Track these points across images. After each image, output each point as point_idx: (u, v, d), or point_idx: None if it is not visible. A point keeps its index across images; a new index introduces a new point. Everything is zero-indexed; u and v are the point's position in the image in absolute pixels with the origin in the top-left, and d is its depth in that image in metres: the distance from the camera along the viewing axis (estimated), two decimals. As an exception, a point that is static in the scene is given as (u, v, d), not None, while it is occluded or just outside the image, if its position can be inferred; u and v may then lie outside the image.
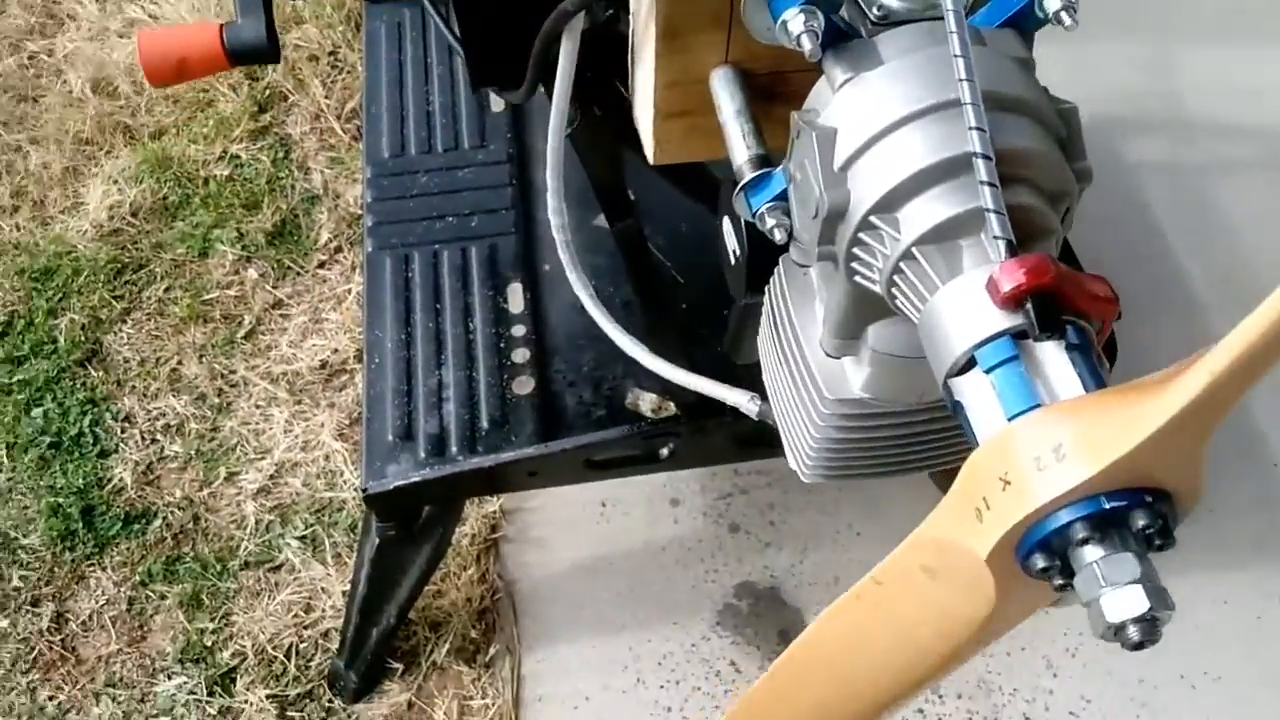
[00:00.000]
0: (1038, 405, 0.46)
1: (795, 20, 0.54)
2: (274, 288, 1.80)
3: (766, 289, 0.72)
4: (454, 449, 1.17)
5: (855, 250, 0.55)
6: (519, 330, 1.25)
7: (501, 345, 1.24)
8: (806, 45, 0.54)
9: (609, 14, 0.78)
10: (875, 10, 0.58)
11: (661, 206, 1.30)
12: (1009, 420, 0.46)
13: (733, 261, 0.75)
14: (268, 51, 0.84)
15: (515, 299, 1.28)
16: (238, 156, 1.95)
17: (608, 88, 0.87)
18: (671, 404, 1.19)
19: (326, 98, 2.01)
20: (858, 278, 0.57)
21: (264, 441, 1.64)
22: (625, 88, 0.96)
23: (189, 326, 1.76)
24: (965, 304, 0.49)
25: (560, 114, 0.80)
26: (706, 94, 0.73)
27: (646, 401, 1.22)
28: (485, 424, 1.19)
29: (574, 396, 1.22)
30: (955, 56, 0.49)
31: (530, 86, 0.88)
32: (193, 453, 1.64)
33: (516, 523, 1.57)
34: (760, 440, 1.18)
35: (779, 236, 0.61)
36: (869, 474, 0.72)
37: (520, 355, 1.24)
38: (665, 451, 1.20)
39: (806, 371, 0.67)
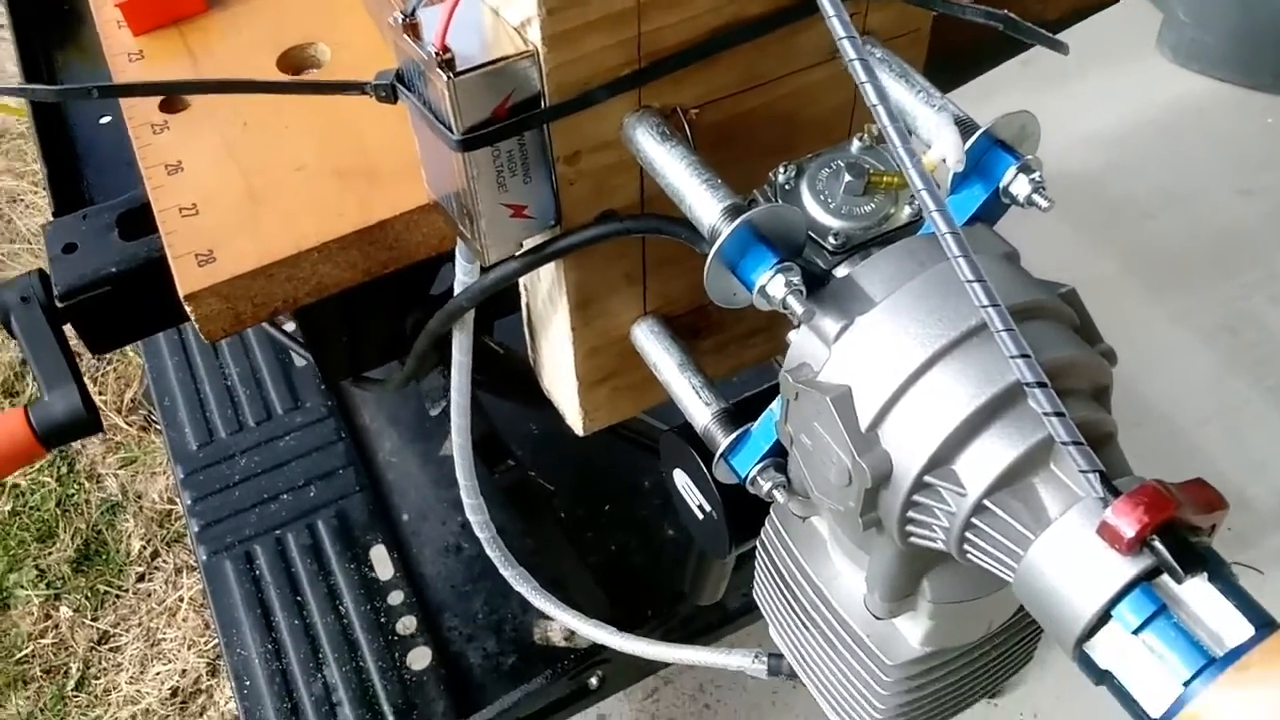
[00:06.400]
0: (1211, 661, 0.40)
1: (775, 284, 0.48)
2: (94, 620, 1.59)
3: (760, 543, 0.63)
4: (363, 757, 1.02)
5: (910, 514, 0.47)
6: (396, 597, 1.12)
7: (382, 620, 1.10)
8: (797, 307, 0.47)
9: None
10: (832, 239, 0.52)
11: (505, 413, 1.19)
12: (1185, 685, 0.40)
13: (701, 518, 0.66)
14: (88, 423, 0.69)
15: (382, 563, 1.15)
16: (17, 485, 1.74)
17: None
18: (586, 626, 1.08)
19: (100, 394, 1.83)
20: (914, 539, 0.49)
21: (127, 803, 1.41)
22: (494, 343, 0.87)
23: (8, 696, 1.52)
24: (1075, 556, 0.42)
25: (463, 412, 0.70)
26: (629, 351, 0.66)
27: (557, 631, 1.10)
28: (391, 718, 1.03)
29: (478, 652, 1.08)
30: (969, 281, 0.43)
31: (407, 380, 0.79)
32: (45, 844, 1.39)
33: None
34: (702, 628, 1.08)
35: (780, 497, 0.55)
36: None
37: (405, 625, 1.10)
38: (595, 681, 1.07)
39: (854, 640, 0.57)
